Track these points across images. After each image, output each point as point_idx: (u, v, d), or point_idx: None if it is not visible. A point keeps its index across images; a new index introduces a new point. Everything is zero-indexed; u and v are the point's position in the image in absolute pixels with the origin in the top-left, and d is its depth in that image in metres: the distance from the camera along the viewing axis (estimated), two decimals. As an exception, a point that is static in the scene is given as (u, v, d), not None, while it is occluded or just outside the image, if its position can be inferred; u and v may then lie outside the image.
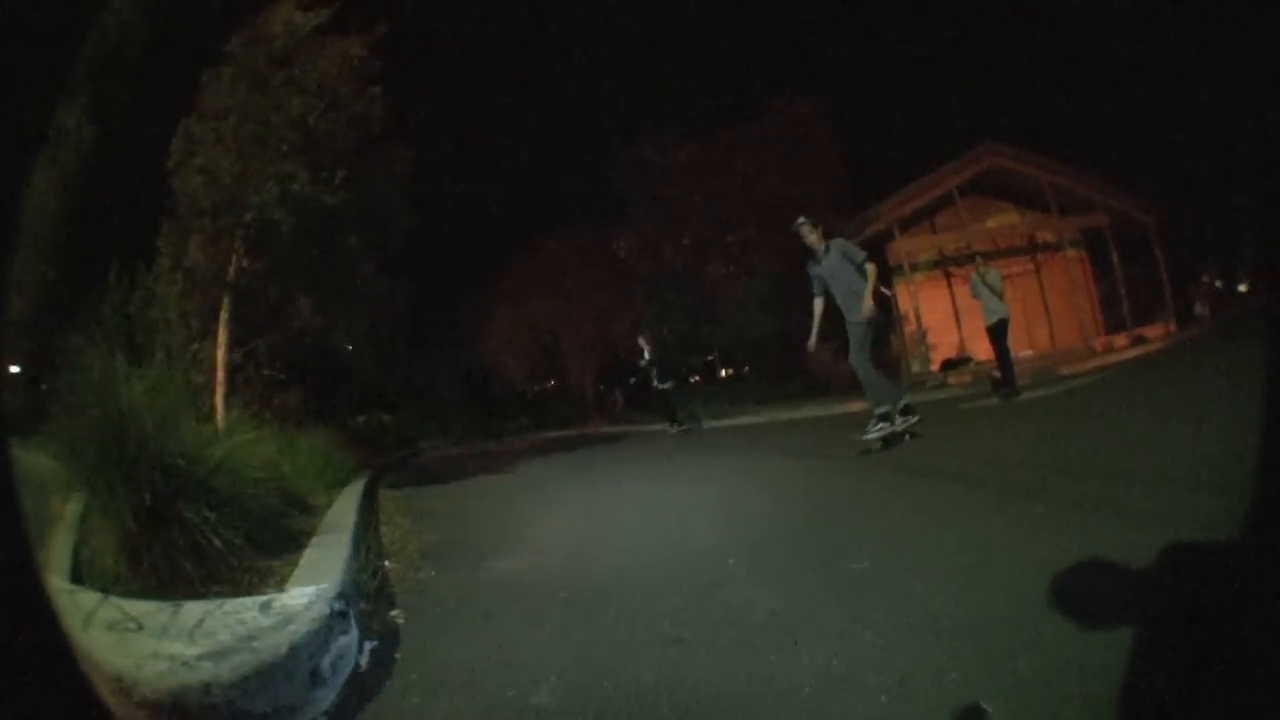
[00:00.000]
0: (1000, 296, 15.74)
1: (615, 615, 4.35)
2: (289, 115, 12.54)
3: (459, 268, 50.10)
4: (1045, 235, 28.66)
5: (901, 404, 10.37)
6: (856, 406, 18.51)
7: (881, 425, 10.09)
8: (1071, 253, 28.43)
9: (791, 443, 13.84)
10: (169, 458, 5.10)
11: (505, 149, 60.05)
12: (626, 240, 36.96)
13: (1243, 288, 32.55)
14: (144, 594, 4.14)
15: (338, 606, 3.95)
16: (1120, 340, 26.11)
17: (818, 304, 10.94)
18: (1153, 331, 26.21)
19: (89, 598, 3.77)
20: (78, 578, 4.33)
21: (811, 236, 10.66)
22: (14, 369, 17.18)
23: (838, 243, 10.67)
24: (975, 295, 16.21)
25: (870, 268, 10.27)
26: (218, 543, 4.93)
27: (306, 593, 4.07)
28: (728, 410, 28.04)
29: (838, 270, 10.49)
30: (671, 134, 34.15)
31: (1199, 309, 28.82)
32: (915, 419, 10.48)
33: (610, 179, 35.24)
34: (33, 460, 5.27)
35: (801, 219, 10.85)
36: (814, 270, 10.78)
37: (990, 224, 28.74)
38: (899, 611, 3.71)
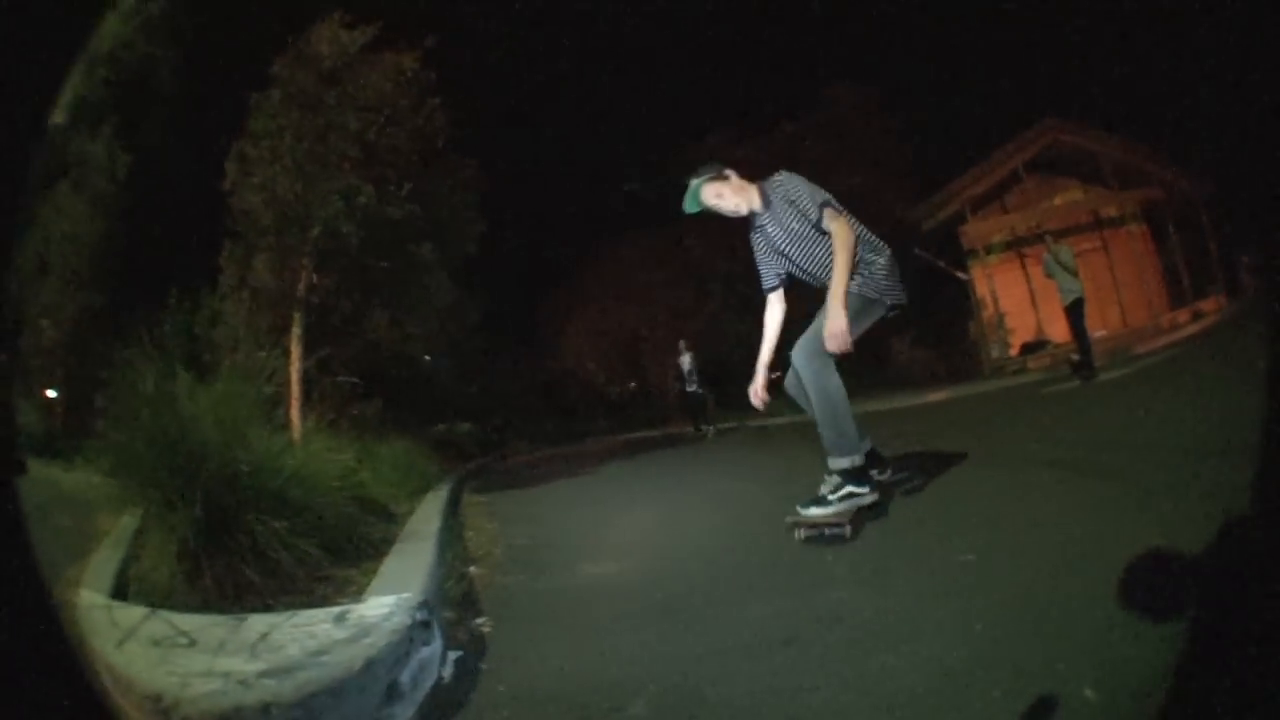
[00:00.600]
0: (1074, 274, 15.23)
1: (715, 618, 4.07)
2: (348, 131, 12.47)
3: (532, 274, 50.37)
4: (1109, 210, 27.86)
5: (865, 450, 5.61)
6: (938, 396, 18.00)
7: (845, 490, 5.44)
8: (1134, 227, 27.63)
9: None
10: (233, 467, 4.84)
11: (570, 153, 60.31)
12: (698, 238, 36.36)
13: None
14: (202, 609, 3.92)
15: (420, 616, 3.66)
16: (1183, 316, 25.32)
17: (773, 307, 6.20)
18: (1207, 305, 25.40)
19: (132, 613, 3.54)
20: (122, 594, 4.11)
21: (727, 194, 5.98)
22: (51, 393, 17.55)
23: (780, 185, 5.85)
24: (1049, 275, 15.66)
25: (839, 228, 5.43)
26: (288, 554, 4.66)
27: (386, 602, 3.78)
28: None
29: (794, 229, 5.77)
30: (733, 129, 34.08)
31: (1246, 281, 28.04)
32: (888, 474, 6.05)
33: (677, 177, 35.00)
34: (74, 478, 5.06)
35: (702, 169, 6.05)
36: (758, 240, 6.15)
37: (1057, 201, 28.04)
38: (1005, 603, 3.44)
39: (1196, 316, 24.72)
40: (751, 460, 13.51)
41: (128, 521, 5.10)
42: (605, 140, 63.43)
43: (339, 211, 12.00)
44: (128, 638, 3.21)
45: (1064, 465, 6.35)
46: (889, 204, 27.94)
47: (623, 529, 7.55)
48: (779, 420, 21.92)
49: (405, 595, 3.90)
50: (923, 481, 6.52)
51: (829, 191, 5.46)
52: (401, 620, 3.51)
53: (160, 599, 4.01)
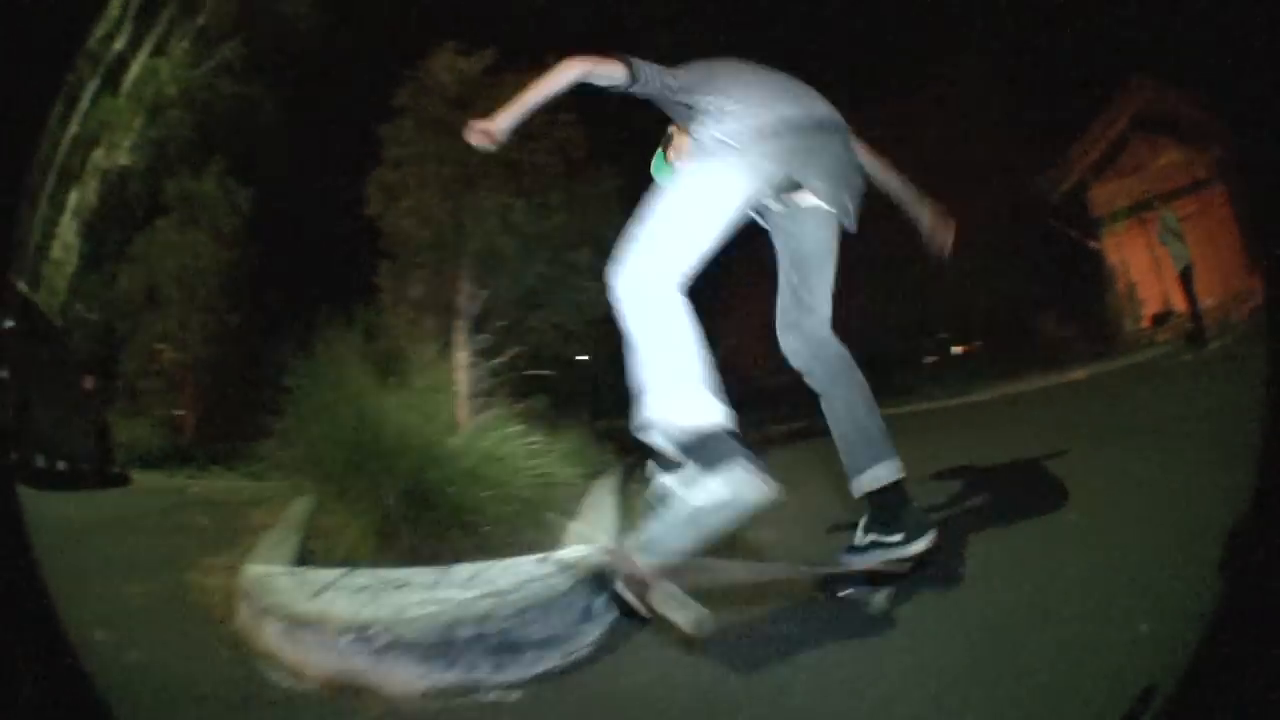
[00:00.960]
0: (1181, 239, 15.36)
1: None
2: (490, 152, 12.89)
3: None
4: (1202, 174, 26.50)
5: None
6: (1080, 373, 17.61)
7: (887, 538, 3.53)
8: (1218, 188, 26.24)
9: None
10: (436, 447, 5.42)
11: None
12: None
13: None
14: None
15: (606, 559, 4.00)
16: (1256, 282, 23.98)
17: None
18: None
19: (325, 573, 3.94)
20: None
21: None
22: (178, 411, 18.51)
23: None
24: (1162, 242, 15.99)
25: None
26: (489, 520, 5.19)
27: (580, 548, 4.26)
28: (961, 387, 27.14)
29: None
30: (862, 97, 33.16)
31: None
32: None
33: None
34: (204, 484, 5.38)
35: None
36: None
37: (1162, 162, 26.82)
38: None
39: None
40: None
41: (300, 507, 5.54)
42: None
43: (495, 229, 12.46)
44: (325, 589, 3.64)
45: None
46: (1017, 176, 26.90)
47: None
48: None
49: (596, 544, 4.36)
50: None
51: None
52: (595, 560, 3.94)
53: (357, 564, 4.38)
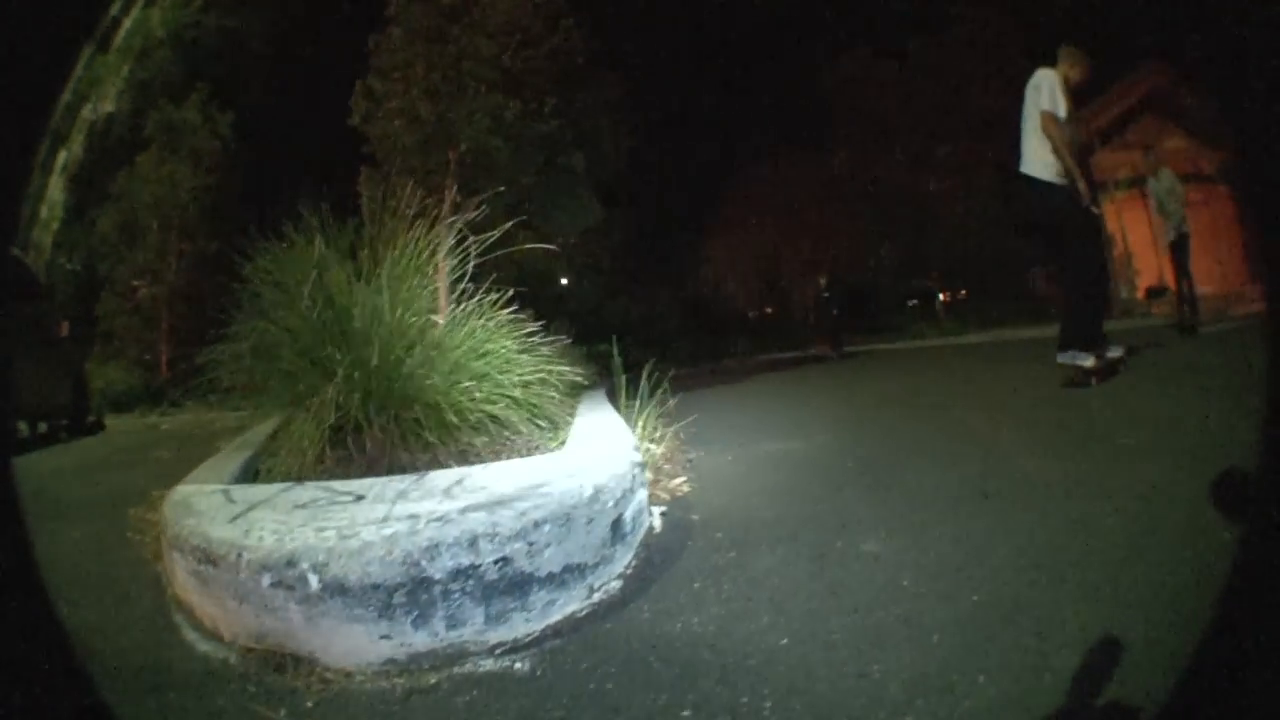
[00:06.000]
0: (1181, 203, 12.77)
1: (917, 479, 4.01)
2: (481, 57, 12.08)
3: (675, 196, 49.50)
4: (1204, 166, 26.14)
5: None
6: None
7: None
8: (1224, 188, 25.98)
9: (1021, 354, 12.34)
10: (412, 329, 4.30)
11: (709, 72, 59.16)
12: (838, 158, 34.84)
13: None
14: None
15: (635, 458, 3.14)
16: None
17: None
18: None
19: (262, 489, 2.94)
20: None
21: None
22: (157, 349, 17.93)
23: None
24: (1159, 210, 13.25)
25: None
26: (477, 417, 4.06)
27: (598, 447, 3.29)
28: (954, 329, 27.28)
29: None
30: (868, 49, 32.39)
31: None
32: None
33: (822, 94, 34.00)
34: (178, 420, 4.57)
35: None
36: None
37: (1168, 145, 26.39)
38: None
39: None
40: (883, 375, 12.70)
41: (261, 427, 4.60)
42: (740, 62, 61.91)
43: (486, 128, 11.67)
44: (252, 508, 2.58)
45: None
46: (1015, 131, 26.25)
47: (781, 423, 7.16)
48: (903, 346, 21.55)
49: (614, 439, 3.50)
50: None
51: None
52: (619, 457, 3.02)
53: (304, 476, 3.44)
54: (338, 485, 2.83)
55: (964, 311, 30.95)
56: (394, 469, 3.42)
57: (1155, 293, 22.95)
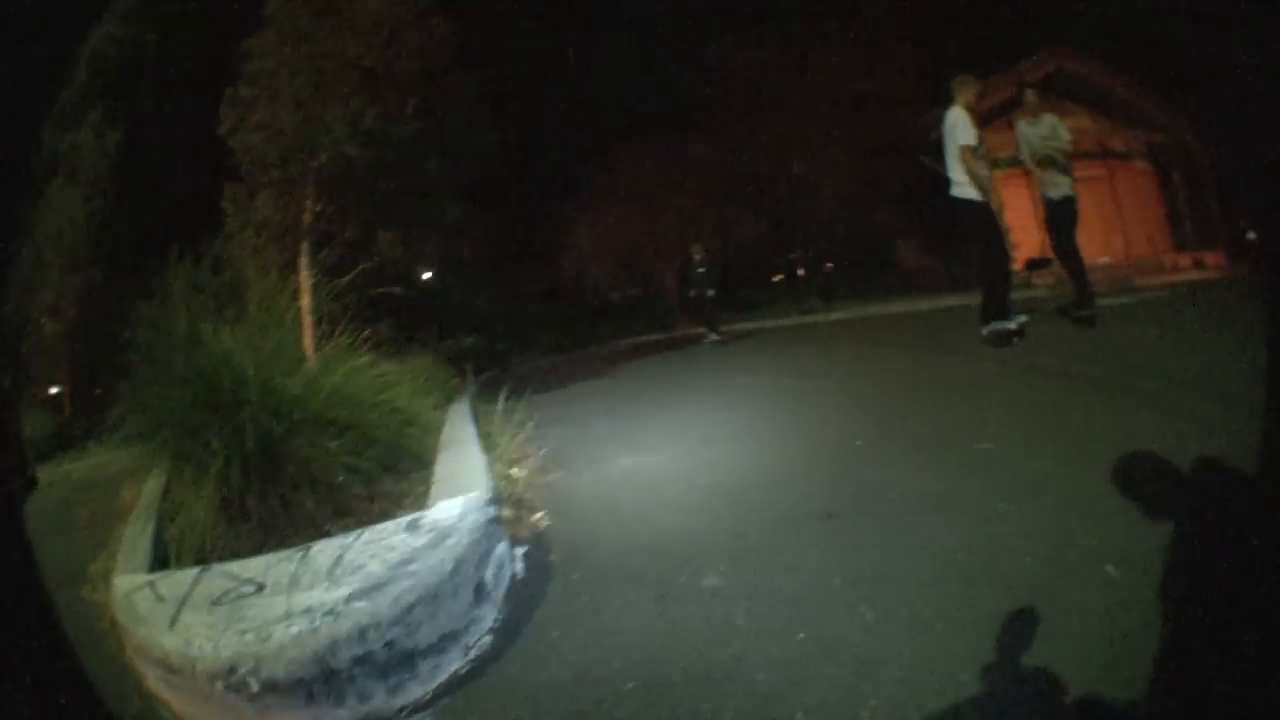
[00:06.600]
0: (1062, 153, 10.23)
1: (764, 498, 4.22)
2: (345, 58, 12.07)
3: (539, 185, 49.12)
4: (1115, 144, 27.17)
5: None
6: (952, 301, 17.72)
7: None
8: (1140, 164, 27.07)
9: (887, 338, 13.32)
10: (277, 394, 4.53)
11: (576, 60, 58.31)
12: (705, 143, 34.91)
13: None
14: (257, 552, 3.61)
15: (490, 514, 3.51)
16: (1184, 260, 24.64)
17: None
18: (1212, 259, 24.85)
19: (179, 578, 3.25)
20: (164, 563, 3.80)
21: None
22: (55, 389, 17.32)
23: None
24: (1033, 161, 10.55)
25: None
26: (342, 472, 4.39)
27: (454, 505, 3.59)
28: (812, 307, 27.67)
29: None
30: (749, 31, 32.64)
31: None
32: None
33: (685, 82, 34.23)
34: (87, 464, 4.76)
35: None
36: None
37: (1071, 124, 27.25)
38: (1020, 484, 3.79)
39: (1198, 265, 24.13)
40: (773, 357, 13.26)
41: (151, 487, 4.81)
42: (611, 45, 61.19)
43: (344, 136, 11.70)
44: (181, 609, 2.91)
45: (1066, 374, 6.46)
46: (896, 111, 26.82)
47: (643, 427, 7.39)
48: (774, 323, 21.84)
49: (472, 495, 3.72)
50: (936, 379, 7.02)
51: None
52: (475, 519, 3.36)
53: (209, 554, 3.77)
54: (237, 570, 3.15)
55: (832, 286, 31.61)
56: (282, 530, 3.82)
57: (1035, 264, 23.71)
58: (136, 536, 4.10)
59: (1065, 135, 10.21)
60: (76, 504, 7.01)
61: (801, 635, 2.62)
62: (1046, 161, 10.24)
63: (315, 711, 2.38)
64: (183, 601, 2.93)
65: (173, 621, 2.79)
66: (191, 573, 3.25)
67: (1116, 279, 18.69)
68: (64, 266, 17.37)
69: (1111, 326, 8.76)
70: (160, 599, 3.03)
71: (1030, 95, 11.07)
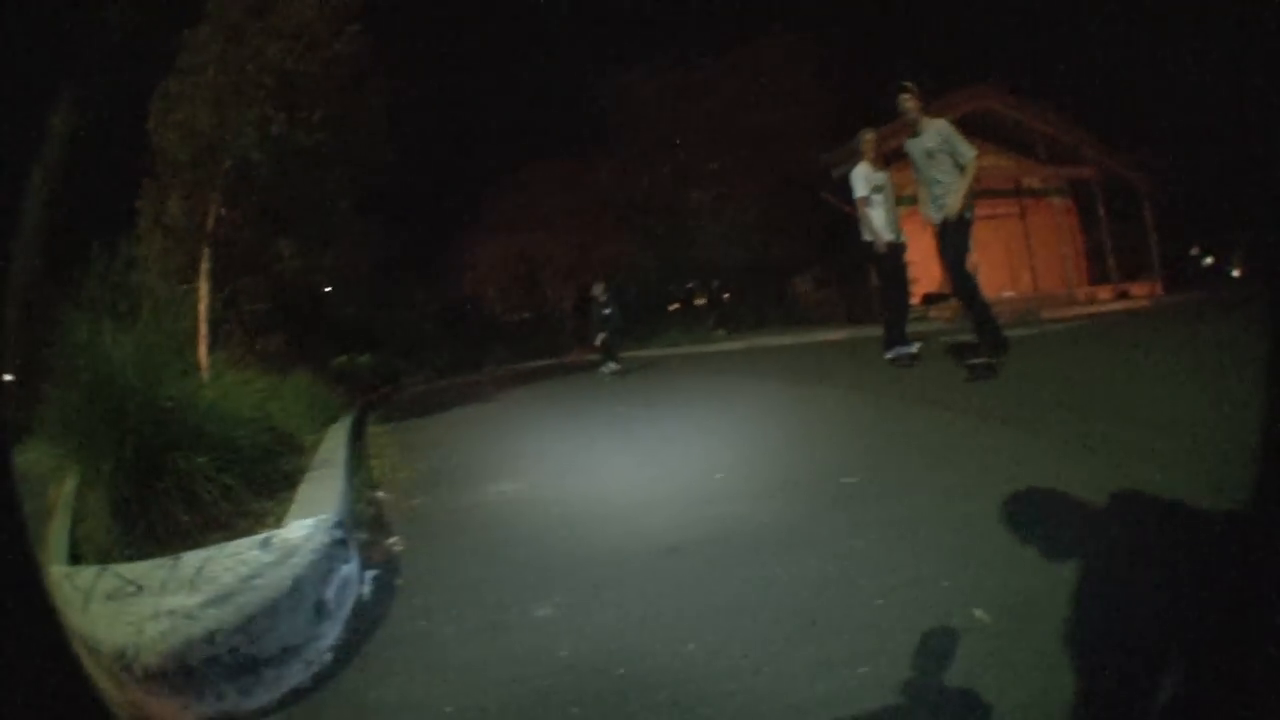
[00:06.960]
0: (958, 170, 8.61)
1: (615, 529, 4.40)
2: (266, 61, 12.11)
3: (440, 203, 48.77)
4: (1032, 182, 27.44)
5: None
6: (845, 334, 18.12)
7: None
8: (1058, 201, 27.54)
9: (773, 369, 13.44)
10: (157, 408, 4.81)
11: (484, 81, 58.25)
12: (606, 169, 35.58)
13: (1236, 272, 32.25)
14: (142, 556, 3.92)
15: (337, 535, 3.81)
16: (1104, 293, 25.54)
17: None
18: (1139, 289, 25.73)
19: (87, 574, 3.54)
20: (77, 558, 4.10)
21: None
22: (7, 377, 16.94)
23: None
24: (922, 178, 9.09)
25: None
26: (212, 489, 4.67)
27: (305, 525, 3.92)
28: (707, 337, 28.28)
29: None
30: (652, 62, 33.18)
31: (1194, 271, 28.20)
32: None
33: (590, 108, 34.52)
34: (28, 458, 4.99)
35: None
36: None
37: (986, 163, 27.67)
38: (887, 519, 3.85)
39: (1121, 295, 24.94)
40: (655, 388, 13.61)
41: (68, 486, 4.97)
42: (516, 72, 61.26)
43: (251, 142, 11.75)
44: (89, 600, 3.22)
45: (948, 406, 6.62)
46: (804, 144, 27.21)
47: (519, 453, 7.61)
48: (666, 351, 21.90)
49: (322, 517, 4.02)
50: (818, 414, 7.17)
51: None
52: (321, 540, 3.65)
53: (106, 554, 4.05)
54: (125, 571, 3.47)
55: (728, 316, 31.92)
56: (164, 539, 4.19)
57: (933, 299, 24.02)
58: (59, 530, 4.37)
59: (964, 147, 8.62)
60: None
61: (621, 671, 2.66)
62: (929, 180, 8.88)
63: (184, 701, 2.67)
64: (88, 595, 3.23)
65: (83, 611, 3.10)
66: (93, 571, 3.55)
67: (1020, 312, 19.29)
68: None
69: (1007, 359, 8.17)
70: (76, 589, 3.33)
71: (906, 102, 9.05)
